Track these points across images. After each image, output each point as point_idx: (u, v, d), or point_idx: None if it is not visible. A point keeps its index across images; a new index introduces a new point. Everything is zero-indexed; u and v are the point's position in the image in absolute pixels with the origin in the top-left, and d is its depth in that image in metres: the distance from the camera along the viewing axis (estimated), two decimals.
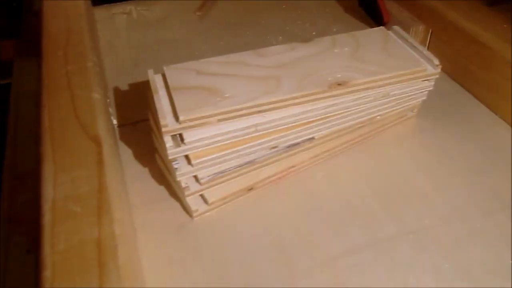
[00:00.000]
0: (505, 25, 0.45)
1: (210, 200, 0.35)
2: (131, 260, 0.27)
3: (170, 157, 0.32)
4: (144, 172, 0.39)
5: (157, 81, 0.34)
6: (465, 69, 0.47)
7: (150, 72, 0.35)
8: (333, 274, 0.31)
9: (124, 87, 0.48)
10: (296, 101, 0.34)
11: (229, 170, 0.34)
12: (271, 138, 0.35)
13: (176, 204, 0.36)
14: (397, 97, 0.39)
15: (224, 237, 0.34)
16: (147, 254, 0.33)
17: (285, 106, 0.34)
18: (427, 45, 0.51)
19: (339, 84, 0.35)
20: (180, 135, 0.32)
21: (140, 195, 0.37)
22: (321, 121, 0.36)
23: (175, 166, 0.32)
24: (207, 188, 0.34)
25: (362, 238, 0.34)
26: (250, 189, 0.37)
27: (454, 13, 0.47)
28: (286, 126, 0.35)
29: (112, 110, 0.44)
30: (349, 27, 0.57)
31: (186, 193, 0.34)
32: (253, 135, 0.34)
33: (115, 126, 0.43)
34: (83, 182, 0.28)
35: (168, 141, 0.31)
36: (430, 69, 0.38)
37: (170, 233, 0.34)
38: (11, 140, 0.42)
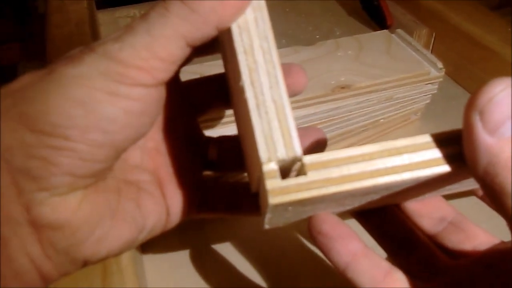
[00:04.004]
0: (508, 29, 0.45)
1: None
2: (134, 261, 0.27)
3: None
4: None
5: None
6: (468, 72, 0.47)
7: None
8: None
9: None
10: (299, 104, 0.34)
11: None
12: None
13: None
14: (401, 100, 0.39)
15: (226, 237, 0.34)
16: (149, 254, 0.33)
17: None
18: (430, 48, 0.51)
19: (342, 88, 0.35)
20: None
21: None
22: (324, 124, 0.36)
23: None
24: None
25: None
26: None
27: (458, 16, 0.47)
28: None
29: None
30: (353, 30, 0.57)
31: None
32: None
33: None
34: None
35: None
36: (433, 72, 0.38)
37: (172, 233, 0.34)
38: None
